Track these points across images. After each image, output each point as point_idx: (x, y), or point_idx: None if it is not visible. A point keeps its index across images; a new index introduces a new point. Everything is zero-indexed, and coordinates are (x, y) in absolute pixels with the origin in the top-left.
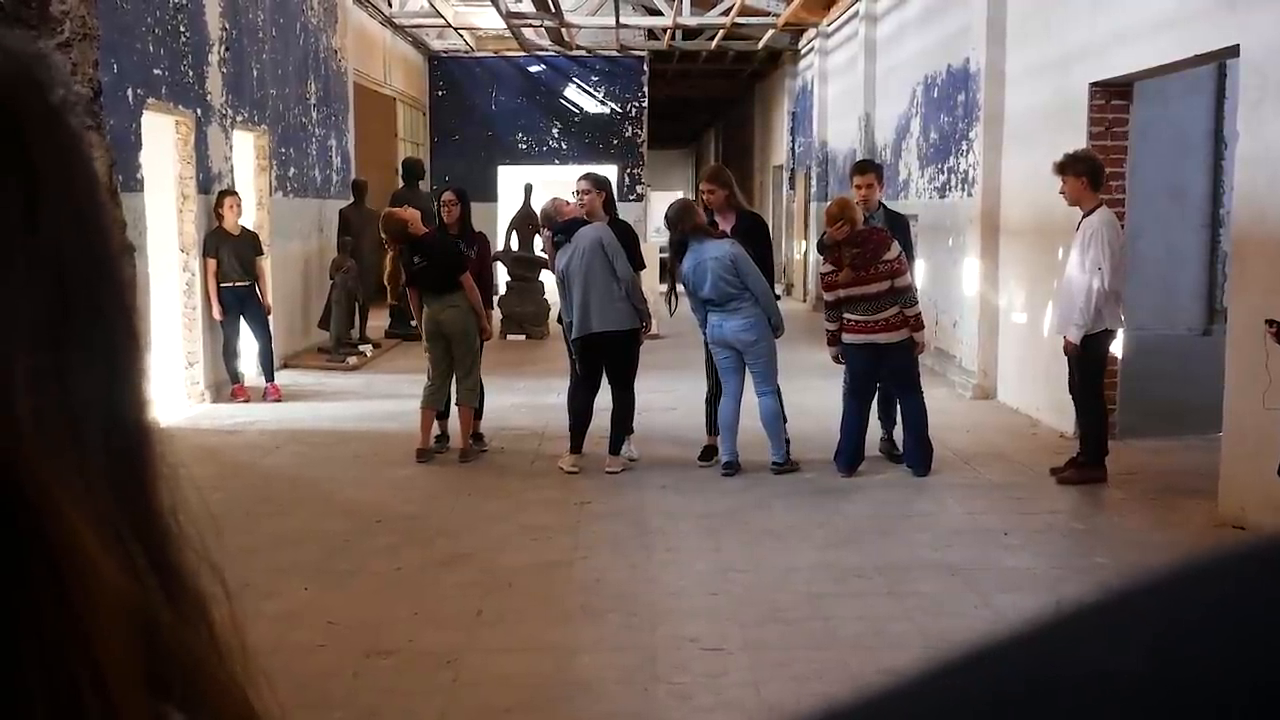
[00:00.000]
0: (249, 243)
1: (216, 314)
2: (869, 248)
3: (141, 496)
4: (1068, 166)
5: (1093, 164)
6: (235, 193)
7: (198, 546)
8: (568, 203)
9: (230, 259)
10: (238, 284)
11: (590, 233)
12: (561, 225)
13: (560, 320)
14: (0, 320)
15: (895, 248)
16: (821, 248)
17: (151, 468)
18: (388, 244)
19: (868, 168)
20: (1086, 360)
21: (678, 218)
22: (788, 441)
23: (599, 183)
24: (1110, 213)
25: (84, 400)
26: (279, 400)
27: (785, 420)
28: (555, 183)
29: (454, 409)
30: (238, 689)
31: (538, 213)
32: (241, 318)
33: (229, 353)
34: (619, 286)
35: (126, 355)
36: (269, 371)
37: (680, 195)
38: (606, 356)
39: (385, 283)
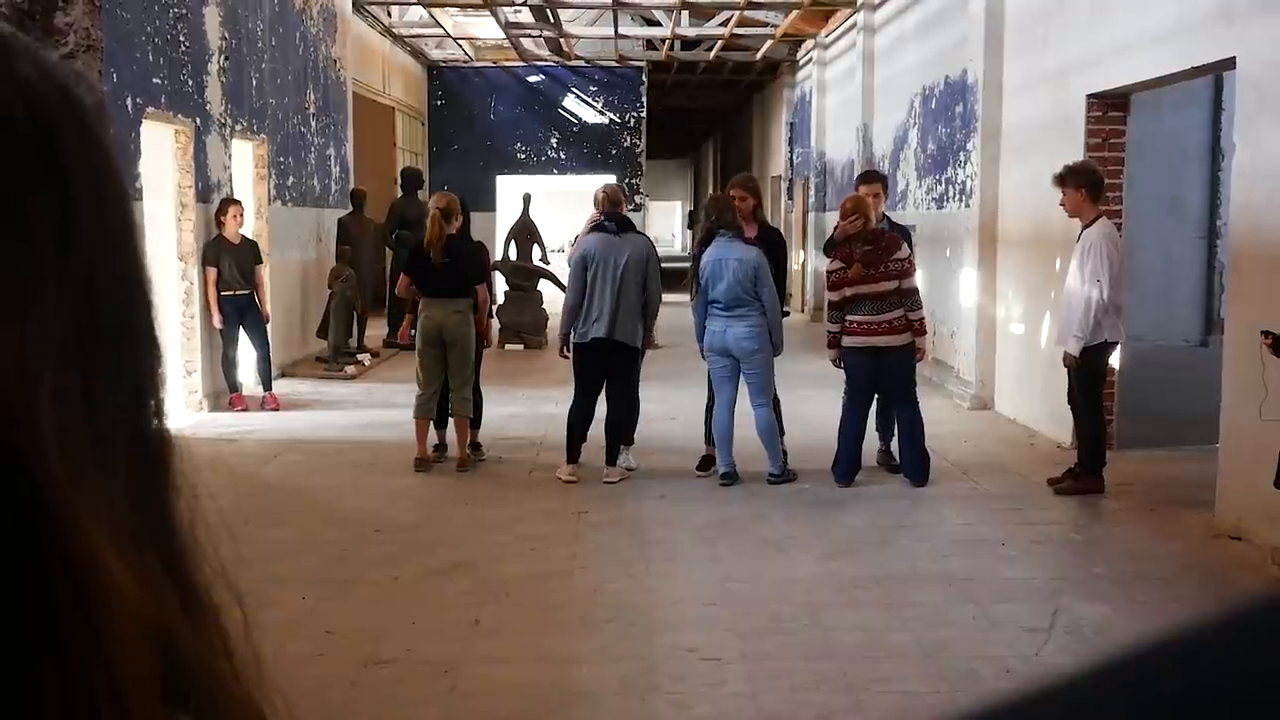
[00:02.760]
0: (249, 251)
1: (217, 322)
2: (880, 246)
3: (160, 510)
4: (1067, 178)
5: (1092, 176)
6: (238, 201)
7: (213, 560)
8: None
9: (231, 268)
10: (238, 293)
11: (644, 245)
12: (614, 215)
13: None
14: (30, 339)
15: (905, 249)
16: (830, 245)
17: (170, 482)
18: (432, 219)
19: (873, 177)
20: (1085, 372)
21: (716, 209)
22: (785, 452)
23: (625, 195)
24: (1110, 225)
25: (109, 417)
26: (277, 409)
27: (783, 432)
28: (554, 193)
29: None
30: (251, 700)
31: (535, 223)
32: (241, 327)
33: (228, 362)
34: (643, 304)
35: (150, 371)
36: (267, 381)
37: (713, 193)
38: (612, 362)
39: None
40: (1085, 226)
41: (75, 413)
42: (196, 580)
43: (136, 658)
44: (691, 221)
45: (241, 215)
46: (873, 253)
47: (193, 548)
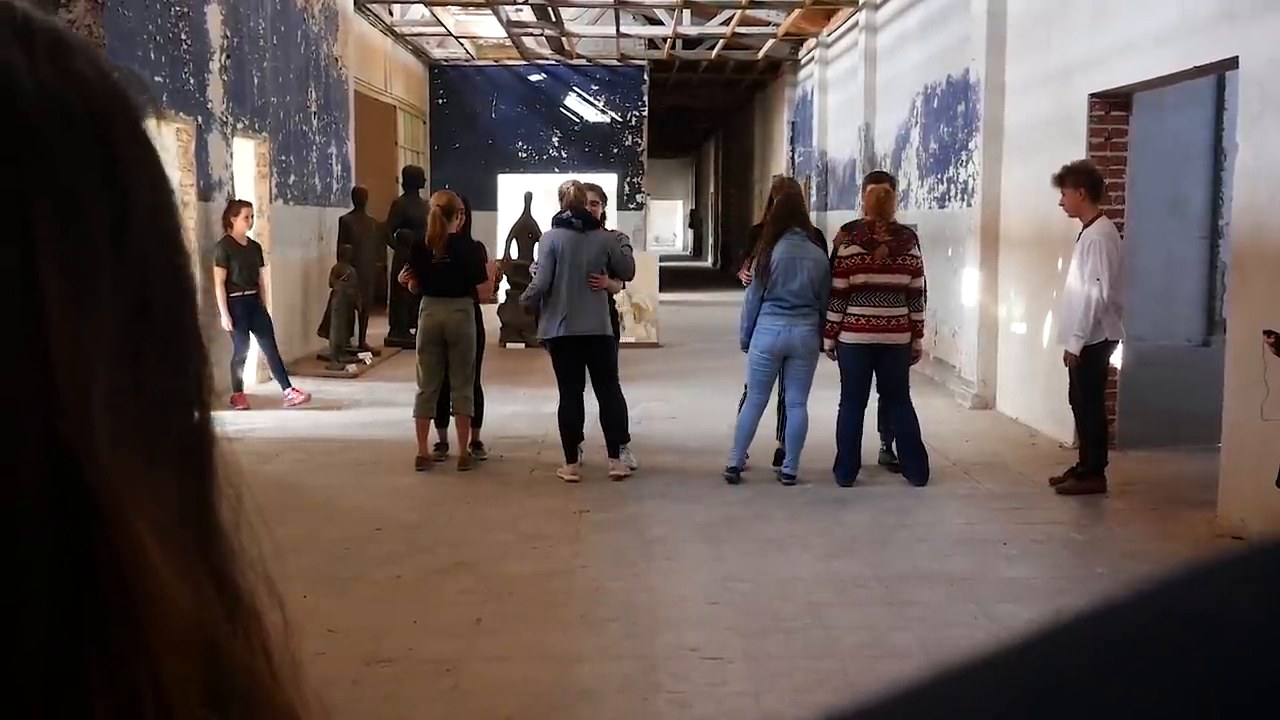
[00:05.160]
0: (256, 252)
1: (226, 324)
2: (900, 239)
3: (206, 512)
4: (1066, 178)
5: (1091, 176)
6: (249, 203)
7: (256, 565)
8: (595, 203)
9: (241, 269)
10: (246, 293)
11: (608, 240)
12: (580, 211)
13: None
14: (86, 336)
15: (918, 248)
16: (847, 229)
17: (216, 483)
18: (433, 217)
19: (882, 178)
20: (1086, 371)
21: (793, 207)
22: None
23: (604, 195)
24: (1109, 224)
25: (159, 415)
26: (308, 400)
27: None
28: (555, 192)
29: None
30: (290, 707)
31: (537, 222)
32: (250, 328)
33: (235, 362)
34: (608, 294)
35: (197, 369)
36: (284, 378)
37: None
38: (586, 357)
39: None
40: (1085, 226)
41: (127, 410)
42: (240, 583)
43: (181, 659)
44: (693, 221)
45: (251, 216)
46: (894, 243)
47: (238, 552)
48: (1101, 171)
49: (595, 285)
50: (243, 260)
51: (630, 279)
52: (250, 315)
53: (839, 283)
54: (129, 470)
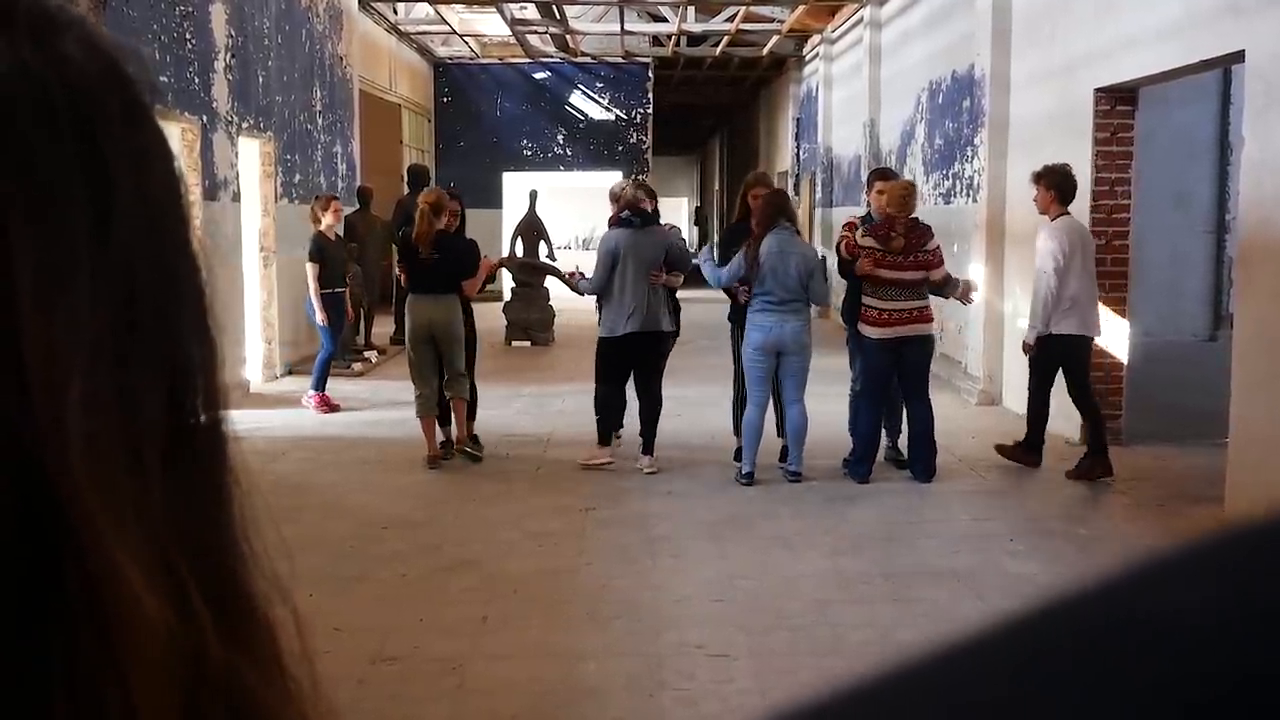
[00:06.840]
0: (344, 247)
1: (320, 320)
2: (915, 235)
3: (205, 522)
4: (1042, 177)
5: (1064, 180)
6: (336, 196)
7: (268, 573)
8: (643, 200)
9: (334, 264)
10: (336, 290)
11: (664, 235)
12: (639, 211)
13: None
14: (60, 337)
15: (935, 241)
16: (863, 222)
17: (221, 490)
18: (421, 214)
19: (889, 174)
20: (1037, 361)
21: (780, 201)
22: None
23: (652, 193)
24: (1068, 220)
25: (146, 419)
26: (332, 411)
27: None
28: (561, 190)
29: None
30: None
31: (541, 219)
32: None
33: (322, 360)
34: (667, 292)
35: (199, 371)
36: (321, 382)
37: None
38: (643, 354)
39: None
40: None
41: (106, 415)
42: (246, 594)
43: (156, 680)
44: (698, 218)
45: (340, 209)
46: (910, 238)
47: (245, 561)
48: (1074, 176)
49: (654, 282)
50: (336, 256)
51: (688, 271)
52: (338, 312)
53: (865, 264)
54: (106, 478)
